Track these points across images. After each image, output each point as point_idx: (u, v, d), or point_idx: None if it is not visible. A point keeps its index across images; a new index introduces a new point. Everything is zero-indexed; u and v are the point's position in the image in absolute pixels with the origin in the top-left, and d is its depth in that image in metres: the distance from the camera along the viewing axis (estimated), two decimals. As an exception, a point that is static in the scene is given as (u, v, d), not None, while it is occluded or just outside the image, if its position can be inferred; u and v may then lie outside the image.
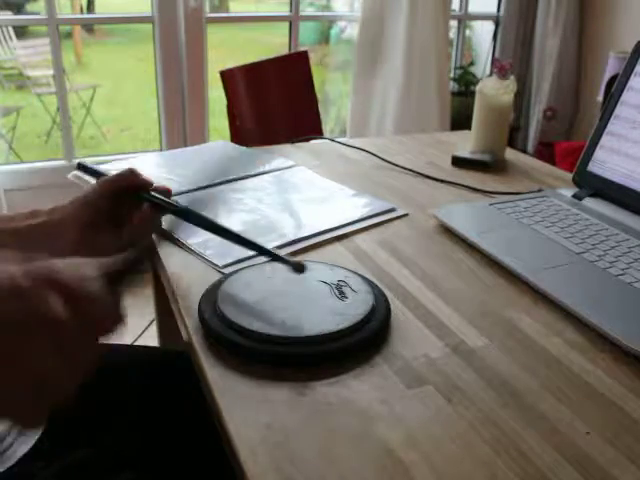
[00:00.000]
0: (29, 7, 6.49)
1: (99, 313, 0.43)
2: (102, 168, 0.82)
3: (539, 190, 1.01)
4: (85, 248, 0.69)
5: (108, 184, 0.70)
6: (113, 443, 0.70)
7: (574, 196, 0.96)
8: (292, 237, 0.82)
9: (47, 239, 0.67)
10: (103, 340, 0.43)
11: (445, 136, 1.39)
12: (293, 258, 0.66)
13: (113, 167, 0.98)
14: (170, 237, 0.82)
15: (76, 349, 0.41)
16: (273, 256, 0.67)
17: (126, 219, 0.71)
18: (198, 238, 0.81)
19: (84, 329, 0.41)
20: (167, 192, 0.73)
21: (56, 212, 0.68)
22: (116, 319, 0.45)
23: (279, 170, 1.08)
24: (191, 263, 0.76)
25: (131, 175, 0.70)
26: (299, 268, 0.65)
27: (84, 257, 0.70)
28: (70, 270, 0.43)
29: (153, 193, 0.71)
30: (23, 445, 0.63)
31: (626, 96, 0.94)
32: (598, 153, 0.96)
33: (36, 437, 0.64)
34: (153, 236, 0.73)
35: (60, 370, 0.39)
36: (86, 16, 7.03)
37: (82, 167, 0.83)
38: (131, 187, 0.70)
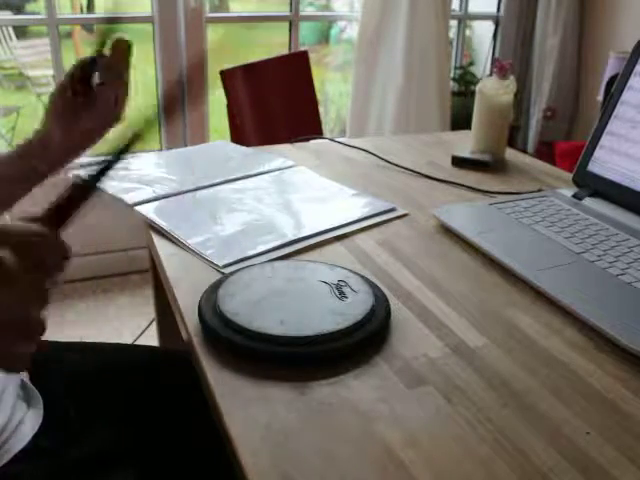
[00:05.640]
0: (29, 7, 6.48)
1: (45, 253, 0.46)
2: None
3: (539, 190, 1.01)
4: (73, 138, 0.79)
5: (64, 77, 0.78)
6: (113, 442, 0.70)
7: (574, 196, 0.96)
8: (292, 237, 0.82)
9: (43, 152, 0.77)
10: (56, 275, 0.47)
11: (445, 136, 1.39)
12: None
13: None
14: (170, 236, 0.82)
15: (31, 289, 0.44)
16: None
17: (95, 93, 0.79)
18: (198, 238, 0.81)
19: (34, 269, 0.44)
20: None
21: (40, 129, 0.78)
22: (62, 254, 0.48)
23: (279, 170, 1.08)
24: (191, 263, 0.76)
25: (79, 62, 0.78)
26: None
27: (83, 146, 0.80)
28: (12, 224, 0.47)
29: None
30: (18, 442, 0.62)
31: (626, 96, 0.94)
32: (598, 153, 0.96)
33: (32, 434, 0.64)
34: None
35: (20, 310, 0.43)
36: (86, 16, 7.02)
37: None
38: (85, 65, 0.78)
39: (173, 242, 0.81)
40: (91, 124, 0.80)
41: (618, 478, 0.47)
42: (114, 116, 0.81)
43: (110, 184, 0.95)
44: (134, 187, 0.96)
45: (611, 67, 2.42)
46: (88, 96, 0.79)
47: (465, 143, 1.23)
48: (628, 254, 0.78)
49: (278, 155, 1.15)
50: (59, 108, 0.78)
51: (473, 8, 2.87)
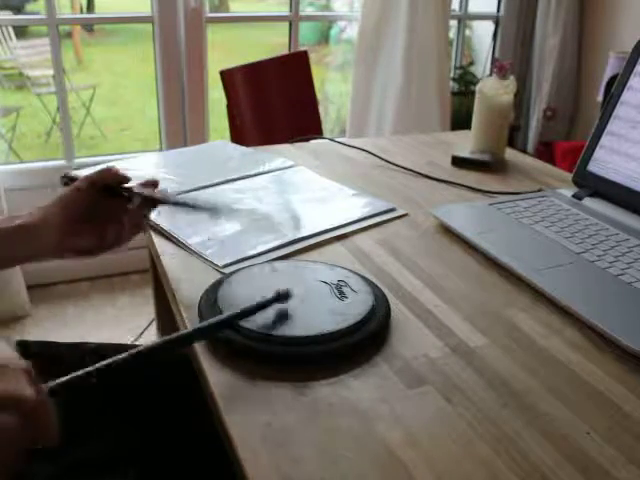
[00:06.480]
0: (29, 7, 6.49)
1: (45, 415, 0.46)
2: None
3: (539, 190, 1.01)
4: (65, 250, 0.70)
5: (85, 183, 0.70)
6: (113, 443, 0.70)
7: (574, 196, 0.96)
8: (292, 237, 0.82)
9: (25, 242, 0.66)
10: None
11: (445, 136, 1.39)
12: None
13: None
14: (166, 235, 0.82)
15: (33, 424, 0.44)
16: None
17: (108, 218, 0.71)
18: (198, 238, 0.81)
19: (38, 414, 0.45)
20: (155, 183, 0.73)
21: (34, 215, 0.67)
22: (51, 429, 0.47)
23: (279, 170, 1.08)
24: (191, 263, 0.76)
25: (107, 172, 0.70)
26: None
27: (66, 258, 0.70)
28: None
29: (137, 191, 0.71)
30: None
31: (626, 96, 0.94)
32: (598, 153, 0.96)
33: None
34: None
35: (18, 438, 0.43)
36: (86, 16, 7.02)
37: (67, 178, 0.81)
38: (109, 184, 0.70)
39: (173, 242, 0.81)
40: (90, 245, 0.71)
41: (618, 478, 0.47)
42: (112, 248, 0.73)
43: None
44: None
45: (611, 67, 2.42)
46: (106, 216, 0.70)
47: (465, 143, 1.23)
48: (628, 254, 0.78)
49: (278, 155, 1.15)
50: (69, 213, 0.68)
51: (473, 8, 2.87)
